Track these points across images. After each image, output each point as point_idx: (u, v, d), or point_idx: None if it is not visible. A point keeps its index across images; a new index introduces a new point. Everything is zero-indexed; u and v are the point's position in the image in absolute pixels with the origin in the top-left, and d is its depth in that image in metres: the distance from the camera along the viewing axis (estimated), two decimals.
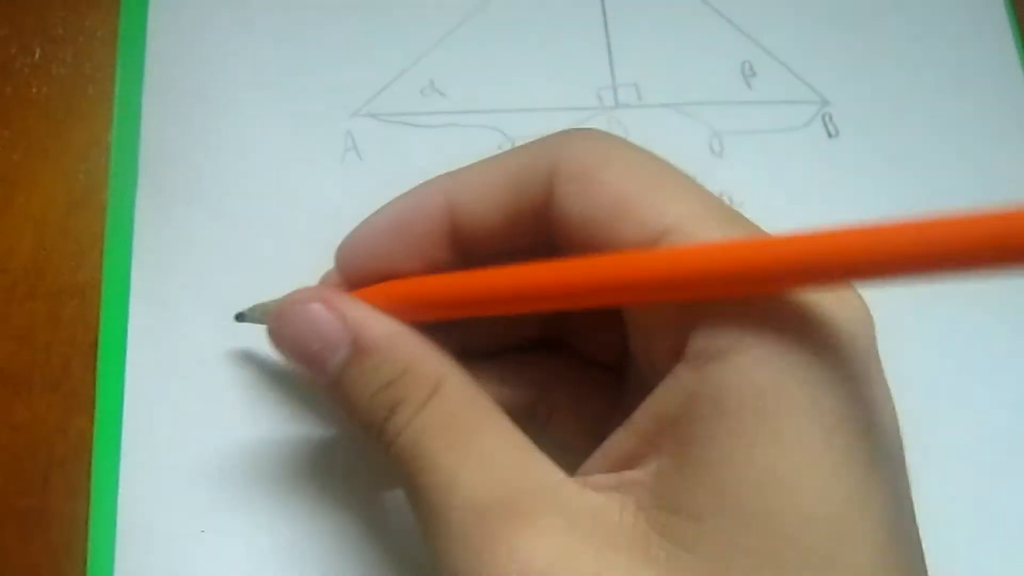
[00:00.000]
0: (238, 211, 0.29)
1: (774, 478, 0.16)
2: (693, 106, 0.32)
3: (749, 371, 0.17)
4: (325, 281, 0.25)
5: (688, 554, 0.17)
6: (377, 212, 0.23)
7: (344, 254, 0.23)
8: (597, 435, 0.21)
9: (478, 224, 0.21)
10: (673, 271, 0.17)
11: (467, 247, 0.21)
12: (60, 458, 0.27)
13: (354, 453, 0.27)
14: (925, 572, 0.18)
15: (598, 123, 0.31)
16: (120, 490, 0.26)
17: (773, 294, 0.17)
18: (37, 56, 0.30)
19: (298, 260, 0.28)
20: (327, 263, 0.28)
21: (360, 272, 0.23)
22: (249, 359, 0.28)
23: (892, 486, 0.17)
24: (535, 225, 0.20)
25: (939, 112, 0.34)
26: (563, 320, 0.25)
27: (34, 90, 0.30)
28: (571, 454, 0.21)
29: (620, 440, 0.19)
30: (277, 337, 0.22)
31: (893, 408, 0.19)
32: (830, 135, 0.33)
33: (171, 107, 0.30)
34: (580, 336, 0.25)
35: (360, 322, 0.21)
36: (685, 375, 0.18)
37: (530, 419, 0.23)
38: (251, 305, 0.26)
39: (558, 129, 0.30)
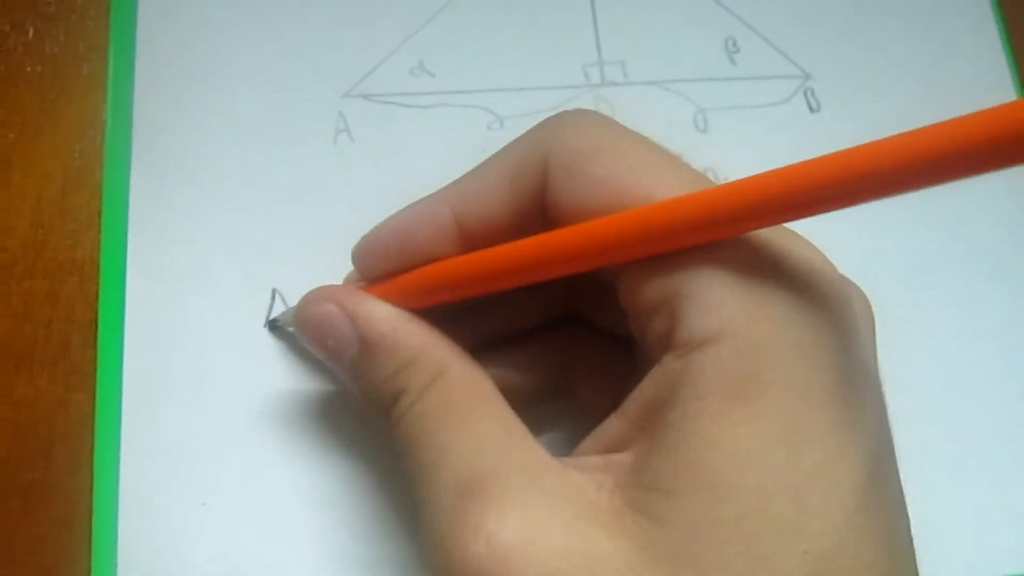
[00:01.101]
0: (231, 189, 0.29)
1: (742, 454, 0.17)
2: (678, 83, 0.33)
3: (728, 360, 0.18)
4: (348, 279, 0.26)
5: (661, 528, 0.18)
6: (386, 221, 0.24)
7: (358, 257, 0.25)
8: (617, 402, 0.23)
9: (483, 225, 0.22)
10: (644, 224, 0.19)
11: (476, 246, 0.22)
12: (62, 433, 0.27)
13: (354, 427, 0.28)
14: (908, 538, 0.19)
15: (585, 100, 0.32)
16: (121, 463, 0.27)
17: (754, 262, 0.19)
18: (30, 35, 0.31)
19: (292, 238, 0.29)
20: (321, 242, 0.29)
21: (373, 273, 0.24)
22: (245, 333, 0.28)
23: (870, 455, 0.18)
24: (537, 216, 0.21)
25: (919, 85, 0.34)
26: (581, 297, 0.26)
27: (28, 69, 0.30)
28: (594, 422, 0.22)
29: (611, 425, 0.20)
30: (300, 334, 0.25)
31: (877, 378, 0.19)
32: (812, 109, 0.33)
33: (164, 85, 0.30)
34: (597, 311, 0.26)
35: (367, 319, 0.23)
36: (670, 364, 0.19)
37: (555, 392, 0.25)
38: (282, 311, 0.28)
39: (547, 107, 0.31)
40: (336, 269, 0.29)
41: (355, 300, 0.23)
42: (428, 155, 0.30)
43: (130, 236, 0.29)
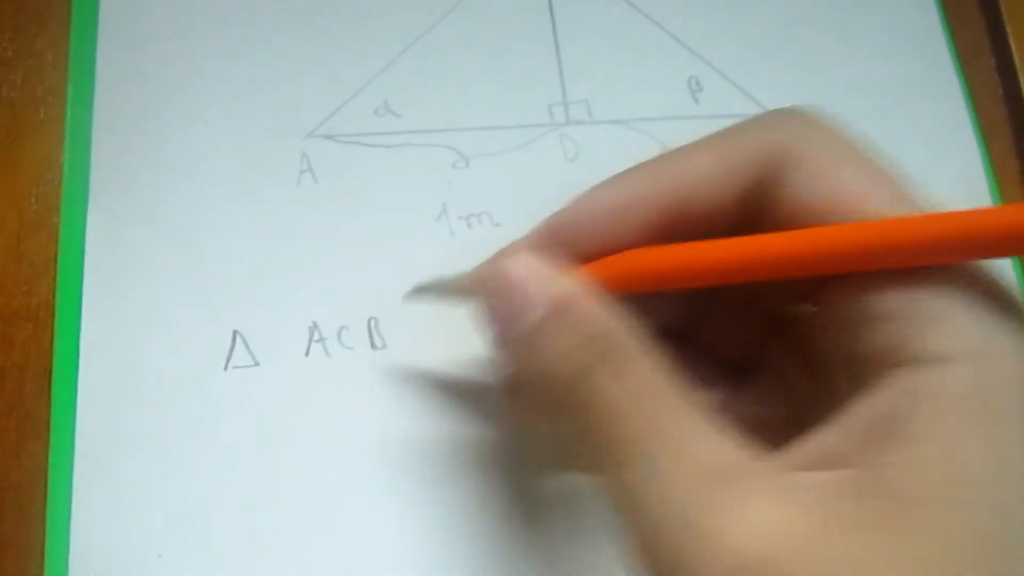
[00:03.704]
0: (192, 233, 0.29)
1: (986, 472, 0.18)
2: (642, 121, 0.33)
3: (971, 379, 0.18)
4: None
5: (907, 537, 0.18)
6: (584, 198, 0.23)
7: (548, 232, 0.23)
8: None
9: (693, 213, 0.21)
10: (912, 235, 0.19)
11: (674, 236, 0.22)
12: (15, 483, 0.26)
13: (313, 476, 0.27)
14: None
15: (550, 140, 0.32)
16: (74, 514, 0.26)
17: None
18: None
19: (253, 280, 0.29)
20: (283, 283, 0.29)
21: (568, 247, 0.23)
22: (204, 377, 0.28)
23: None
24: (745, 209, 0.21)
25: (878, 123, 0.34)
26: (699, 320, 0.25)
27: None
28: None
29: (828, 437, 0.20)
30: (486, 284, 0.23)
31: None
32: None
33: (123, 130, 0.30)
34: (714, 334, 0.25)
35: (569, 280, 0.21)
36: (907, 377, 0.19)
37: None
38: (430, 280, 0.26)
39: (512, 146, 0.31)
40: (299, 309, 0.28)
41: (557, 263, 0.22)
42: (393, 195, 0.30)
43: (86, 281, 0.28)
